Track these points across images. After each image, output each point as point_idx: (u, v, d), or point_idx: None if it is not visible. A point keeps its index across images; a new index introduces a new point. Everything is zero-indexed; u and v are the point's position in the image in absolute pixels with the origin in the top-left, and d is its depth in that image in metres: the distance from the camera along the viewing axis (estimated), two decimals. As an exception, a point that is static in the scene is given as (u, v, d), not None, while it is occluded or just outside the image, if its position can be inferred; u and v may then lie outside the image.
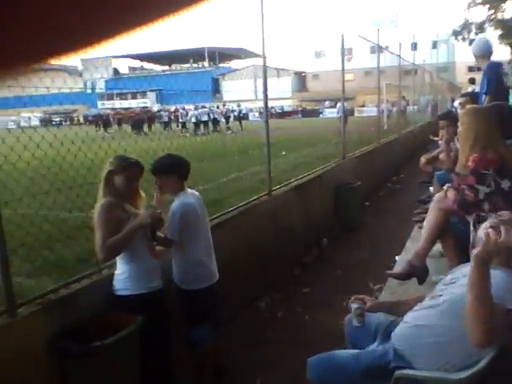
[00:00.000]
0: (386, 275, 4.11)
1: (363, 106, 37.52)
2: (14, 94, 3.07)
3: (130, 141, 4.02)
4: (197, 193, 3.39)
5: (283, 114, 40.09)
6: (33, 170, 3.34)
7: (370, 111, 23.14)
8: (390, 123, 15.93)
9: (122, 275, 2.88)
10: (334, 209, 7.09)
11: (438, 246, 3.91)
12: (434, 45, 48.07)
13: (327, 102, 46.67)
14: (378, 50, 10.06)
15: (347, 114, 17.28)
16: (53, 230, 4.29)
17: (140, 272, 2.88)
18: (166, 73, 54.43)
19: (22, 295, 2.69)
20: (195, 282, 3.18)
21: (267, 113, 5.23)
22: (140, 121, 29.38)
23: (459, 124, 3.59)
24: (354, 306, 2.57)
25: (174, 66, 68.66)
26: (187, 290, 3.19)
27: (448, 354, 2.06)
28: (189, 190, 3.28)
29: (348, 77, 8.11)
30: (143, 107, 39.83)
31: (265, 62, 5.05)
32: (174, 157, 3.27)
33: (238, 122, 24.56)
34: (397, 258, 4.81)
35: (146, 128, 27.53)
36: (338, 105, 9.37)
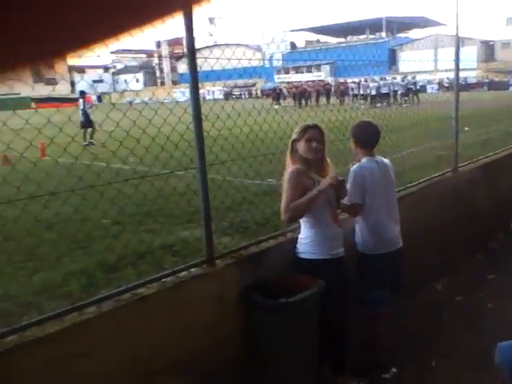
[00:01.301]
0: None
1: None
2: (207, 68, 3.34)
3: (311, 113, 4.15)
4: (386, 160, 3.38)
5: (467, 86, 36.80)
6: (234, 137, 3.65)
7: None
8: None
9: (306, 239, 3.02)
10: (527, 192, 6.39)
11: None
12: None
13: (519, 73, 41.55)
14: None
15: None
16: (237, 195, 4.68)
17: (323, 238, 2.98)
18: (341, 45, 53.78)
19: (215, 250, 2.98)
20: (373, 247, 3.27)
21: (458, 84, 4.88)
22: (316, 92, 29.93)
23: None
24: None
25: (349, 38, 67.49)
26: (366, 255, 3.30)
27: None
28: (377, 157, 3.31)
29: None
30: (319, 80, 40.28)
31: (457, 31, 4.72)
32: (356, 123, 3.35)
33: (414, 95, 23.45)
34: None
35: (321, 101, 27.88)
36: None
